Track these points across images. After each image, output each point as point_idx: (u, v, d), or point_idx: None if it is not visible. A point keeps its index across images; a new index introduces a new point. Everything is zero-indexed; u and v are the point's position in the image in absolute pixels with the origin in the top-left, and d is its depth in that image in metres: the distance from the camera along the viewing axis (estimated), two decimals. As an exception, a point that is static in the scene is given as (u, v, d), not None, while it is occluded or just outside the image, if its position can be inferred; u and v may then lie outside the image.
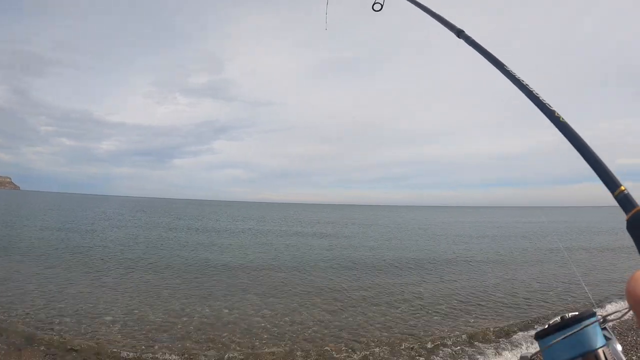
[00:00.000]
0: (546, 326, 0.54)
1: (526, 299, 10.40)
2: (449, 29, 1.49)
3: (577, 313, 0.52)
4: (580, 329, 0.50)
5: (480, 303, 9.88)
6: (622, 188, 0.72)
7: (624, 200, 0.71)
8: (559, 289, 11.59)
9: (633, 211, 0.68)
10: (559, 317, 0.54)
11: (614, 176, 0.75)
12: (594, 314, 0.51)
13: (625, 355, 0.54)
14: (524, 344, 7.02)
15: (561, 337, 0.50)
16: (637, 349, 6.49)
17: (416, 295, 10.52)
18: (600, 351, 0.49)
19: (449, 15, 1.55)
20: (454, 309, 9.32)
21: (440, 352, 6.66)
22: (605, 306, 9.23)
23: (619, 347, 0.53)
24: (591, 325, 0.50)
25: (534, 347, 0.56)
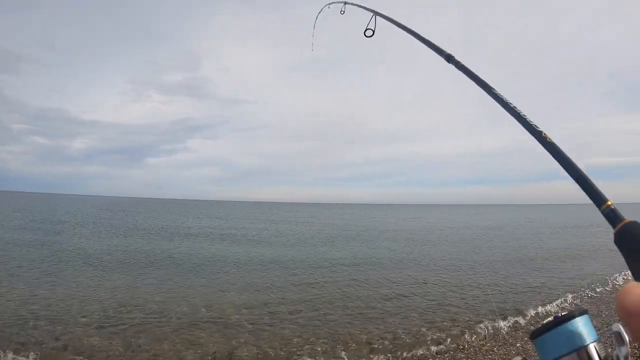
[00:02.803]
0: (540, 325, 0.56)
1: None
2: (438, 53, 1.50)
3: (568, 312, 0.56)
4: (573, 326, 0.54)
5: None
6: (609, 203, 0.72)
7: (611, 215, 0.71)
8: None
9: (620, 225, 0.68)
10: (552, 317, 0.57)
11: (600, 192, 0.75)
12: (585, 312, 0.55)
13: None
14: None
15: (554, 335, 0.54)
16: None
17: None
18: (591, 346, 0.52)
19: (437, 41, 1.55)
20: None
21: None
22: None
23: (624, 351, 0.53)
24: (582, 322, 0.54)
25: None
